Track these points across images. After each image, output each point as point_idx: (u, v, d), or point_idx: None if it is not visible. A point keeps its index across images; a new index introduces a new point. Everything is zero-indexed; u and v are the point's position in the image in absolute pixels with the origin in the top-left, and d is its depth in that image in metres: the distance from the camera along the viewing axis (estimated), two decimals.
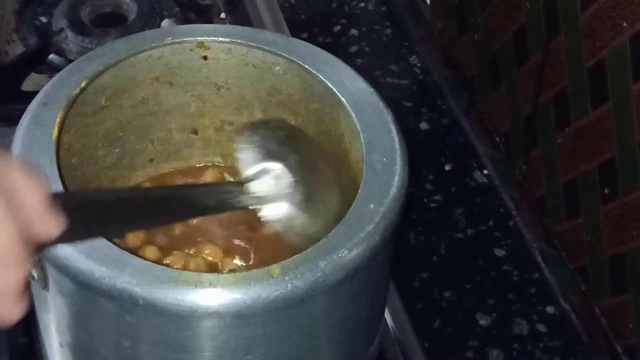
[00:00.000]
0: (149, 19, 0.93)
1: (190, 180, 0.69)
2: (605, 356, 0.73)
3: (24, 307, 0.43)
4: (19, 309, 0.43)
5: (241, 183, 0.56)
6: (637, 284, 0.69)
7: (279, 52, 0.63)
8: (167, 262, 0.61)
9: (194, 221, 0.64)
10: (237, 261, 0.63)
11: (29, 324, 0.69)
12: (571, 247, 0.77)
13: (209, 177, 0.68)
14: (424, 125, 0.90)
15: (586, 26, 0.70)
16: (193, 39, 0.64)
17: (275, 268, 0.51)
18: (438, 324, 0.75)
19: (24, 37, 0.94)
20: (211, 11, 0.99)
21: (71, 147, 0.61)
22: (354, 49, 0.96)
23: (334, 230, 0.54)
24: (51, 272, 0.53)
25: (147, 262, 0.51)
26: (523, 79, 0.80)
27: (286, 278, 0.50)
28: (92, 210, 0.48)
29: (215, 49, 0.64)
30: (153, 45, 0.63)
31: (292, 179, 0.57)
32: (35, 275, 0.54)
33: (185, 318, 0.50)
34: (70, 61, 0.69)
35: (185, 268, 0.60)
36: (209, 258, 0.63)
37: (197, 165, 0.70)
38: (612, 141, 0.69)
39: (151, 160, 0.68)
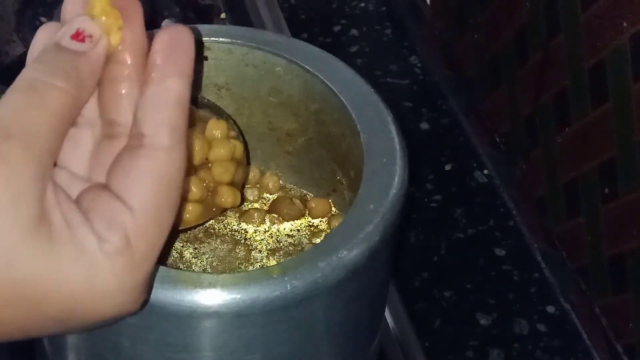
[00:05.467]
0: (149, 19, 0.93)
1: None
2: (605, 356, 0.73)
3: None
4: None
5: None
6: (637, 283, 0.69)
7: (279, 53, 0.63)
8: None
9: None
10: None
11: None
12: (571, 247, 0.77)
13: None
14: (424, 125, 0.90)
15: (586, 26, 0.70)
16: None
17: (274, 268, 0.51)
18: (438, 324, 0.75)
19: (24, 37, 0.94)
20: (211, 11, 0.99)
21: None
22: (354, 49, 0.96)
23: (333, 231, 0.54)
24: None
25: None
26: (523, 79, 0.80)
27: (285, 278, 0.50)
28: None
29: (216, 49, 0.64)
30: None
31: None
32: None
33: (185, 318, 0.50)
34: None
35: None
36: None
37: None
38: (612, 141, 0.69)
39: None
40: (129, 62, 0.45)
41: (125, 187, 0.42)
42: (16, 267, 0.39)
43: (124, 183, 0.42)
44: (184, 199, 0.59)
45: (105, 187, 0.43)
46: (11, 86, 0.42)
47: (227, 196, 0.59)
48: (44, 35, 0.45)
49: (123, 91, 0.44)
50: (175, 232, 0.64)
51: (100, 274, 0.40)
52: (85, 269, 0.40)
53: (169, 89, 0.44)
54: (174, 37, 0.45)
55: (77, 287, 0.40)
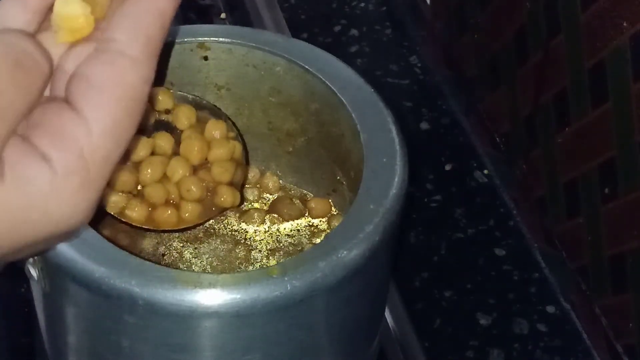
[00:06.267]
0: None
1: None
2: (605, 356, 0.73)
3: None
4: None
5: None
6: (637, 283, 0.69)
7: (279, 53, 0.63)
8: None
9: None
10: None
11: (29, 324, 0.69)
12: (571, 246, 0.77)
13: None
14: (424, 125, 0.90)
15: (586, 26, 0.70)
16: (193, 39, 0.64)
17: (274, 268, 0.51)
18: (438, 324, 0.75)
19: None
20: (211, 11, 0.99)
21: None
22: (354, 49, 0.96)
23: (333, 231, 0.54)
24: (51, 272, 0.53)
25: (147, 262, 0.51)
26: (523, 79, 0.80)
27: (285, 278, 0.50)
28: None
29: (216, 49, 0.64)
30: None
31: None
32: (35, 275, 0.54)
33: (185, 318, 0.50)
34: None
35: None
36: None
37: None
38: (612, 141, 0.69)
39: None
40: None
41: (81, 96, 0.39)
42: None
43: (81, 90, 0.39)
44: (182, 199, 0.59)
45: (60, 98, 0.39)
46: None
47: (226, 196, 0.59)
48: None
49: None
50: (172, 231, 0.64)
51: (55, 200, 0.38)
52: (40, 200, 0.38)
53: (154, 0, 0.41)
54: None
55: (32, 221, 0.38)
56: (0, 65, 0.38)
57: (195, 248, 0.65)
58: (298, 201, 0.67)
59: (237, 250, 0.65)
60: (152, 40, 0.41)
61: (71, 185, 0.38)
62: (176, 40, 0.63)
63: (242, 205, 0.67)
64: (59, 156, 0.38)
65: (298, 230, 0.66)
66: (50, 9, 0.41)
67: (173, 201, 0.59)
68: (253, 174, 0.69)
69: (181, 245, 0.65)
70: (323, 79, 0.62)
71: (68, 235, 0.40)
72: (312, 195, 0.69)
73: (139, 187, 0.59)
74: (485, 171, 0.86)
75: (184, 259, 0.65)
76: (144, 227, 0.58)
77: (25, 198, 0.38)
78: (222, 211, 0.60)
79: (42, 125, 0.38)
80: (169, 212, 0.58)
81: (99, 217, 0.59)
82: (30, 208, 0.38)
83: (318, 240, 0.65)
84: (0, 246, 0.39)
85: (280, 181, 0.69)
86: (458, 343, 0.74)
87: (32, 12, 0.42)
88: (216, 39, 0.64)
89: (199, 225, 0.63)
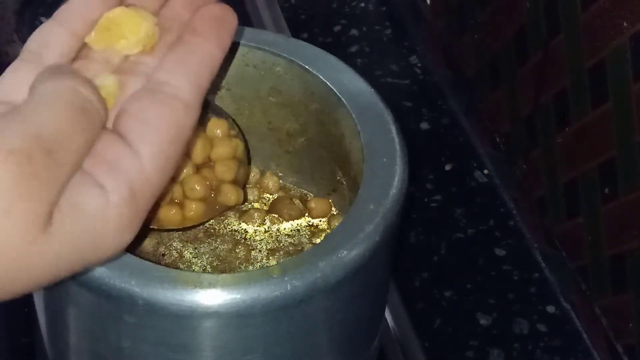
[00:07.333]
0: None
1: None
2: (605, 356, 0.73)
3: None
4: None
5: None
6: (637, 283, 0.69)
7: (279, 53, 0.63)
8: None
9: None
10: None
11: (29, 324, 0.69)
12: (571, 246, 0.77)
13: None
14: (424, 125, 0.90)
15: (586, 26, 0.70)
16: None
17: (274, 268, 0.51)
18: (438, 324, 0.75)
19: (24, 37, 0.94)
20: None
21: None
22: (354, 49, 0.96)
23: (333, 231, 0.54)
24: None
25: (147, 262, 0.51)
26: (523, 79, 0.80)
27: (285, 278, 0.50)
28: None
29: None
30: None
31: None
32: None
33: (185, 318, 0.50)
34: None
35: None
36: None
37: None
38: (612, 141, 0.69)
39: None
40: (182, 17, 0.46)
41: (136, 131, 0.41)
42: (27, 266, 0.38)
43: (136, 126, 0.41)
44: (186, 197, 0.59)
45: (111, 130, 0.41)
46: (53, 90, 0.40)
47: (230, 194, 0.59)
48: (58, 37, 0.46)
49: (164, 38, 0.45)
50: (176, 230, 0.64)
51: (104, 228, 0.39)
52: (90, 226, 0.39)
53: (206, 52, 0.44)
54: (221, 13, 0.47)
55: (80, 249, 0.39)
56: (68, 112, 0.39)
57: (195, 248, 0.65)
58: (298, 201, 0.67)
59: (237, 250, 0.65)
60: (203, 88, 0.43)
61: (121, 216, 0.40)
62: None
63: (242, 205, 0.67)
64: (113, 186, 0.39)
65: (298, 230, 0.66)
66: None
67: (177, 200, 0.59)
68: (253, 174, 0.69)
69: (181, 245, 0.65)
70: (323, 79, 0.62)
71: (102, 262, 0.41)
72: (312, 195, 0.69)
73: None
74: (485, 171, 0.86)
75: (184, 259, 0.65)
76: (147, 226, 0.58)
77: (79, 224, 0.39)
78: (225, 209, 0.61)
79: (97, 154, 0.40)
80: (173, 211, 0.58)
81: None
82: (82, 234, 0.39)
83: (318, 240, 0.65)
84: (49, 272, 0.39)
85: (280, 181, 0.69)
86: (458, 343, 0.74)
87: (77, 38, 0.45)
88: None
89: (202, 223, 0.63)
